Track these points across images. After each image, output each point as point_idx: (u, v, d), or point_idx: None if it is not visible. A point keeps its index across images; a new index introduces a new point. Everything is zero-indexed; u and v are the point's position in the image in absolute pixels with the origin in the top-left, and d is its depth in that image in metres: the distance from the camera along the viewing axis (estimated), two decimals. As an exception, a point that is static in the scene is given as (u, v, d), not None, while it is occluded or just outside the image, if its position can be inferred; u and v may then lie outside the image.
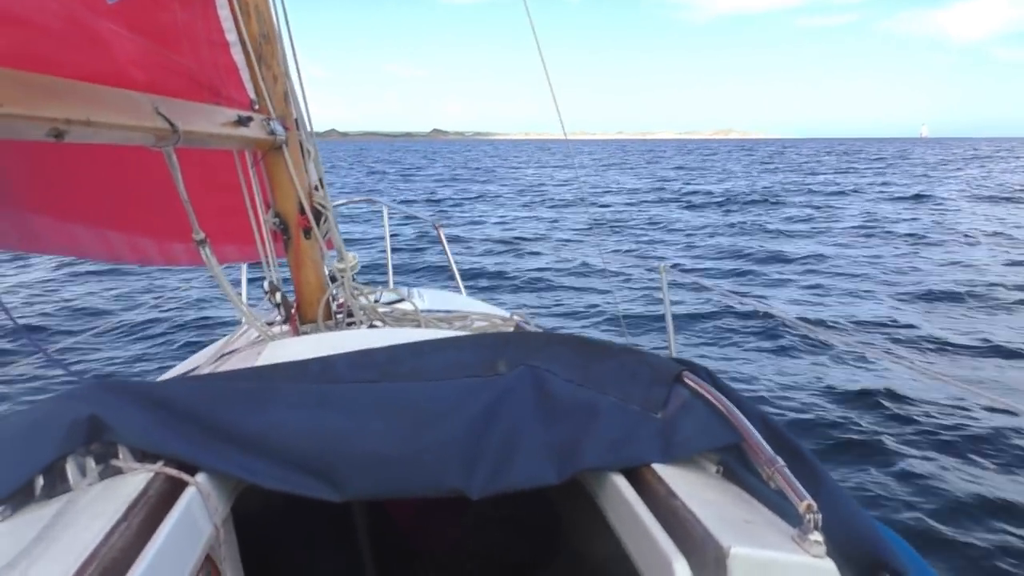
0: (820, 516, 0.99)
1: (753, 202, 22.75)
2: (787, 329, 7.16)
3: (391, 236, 4.58)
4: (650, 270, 9.89)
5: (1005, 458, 4.43)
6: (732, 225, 16.96)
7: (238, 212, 2.27)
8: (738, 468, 1.25)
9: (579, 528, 1.81)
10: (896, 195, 24.37)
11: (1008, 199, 22.51)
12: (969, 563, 3.41)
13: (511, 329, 2.33)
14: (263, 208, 2.30)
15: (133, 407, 1.20)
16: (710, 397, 1.31)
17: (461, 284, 4.28)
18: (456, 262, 4.49)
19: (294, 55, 2.23)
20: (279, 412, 1.26)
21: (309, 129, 2.32)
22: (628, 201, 24.54)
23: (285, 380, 1.37)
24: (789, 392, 5.68)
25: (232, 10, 2.04)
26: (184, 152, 1.68)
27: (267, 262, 2.34)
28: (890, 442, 4.66)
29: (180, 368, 2.41)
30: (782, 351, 6.75)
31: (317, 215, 2.25)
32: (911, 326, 7.60)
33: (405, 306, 2.47)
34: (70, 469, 1.11)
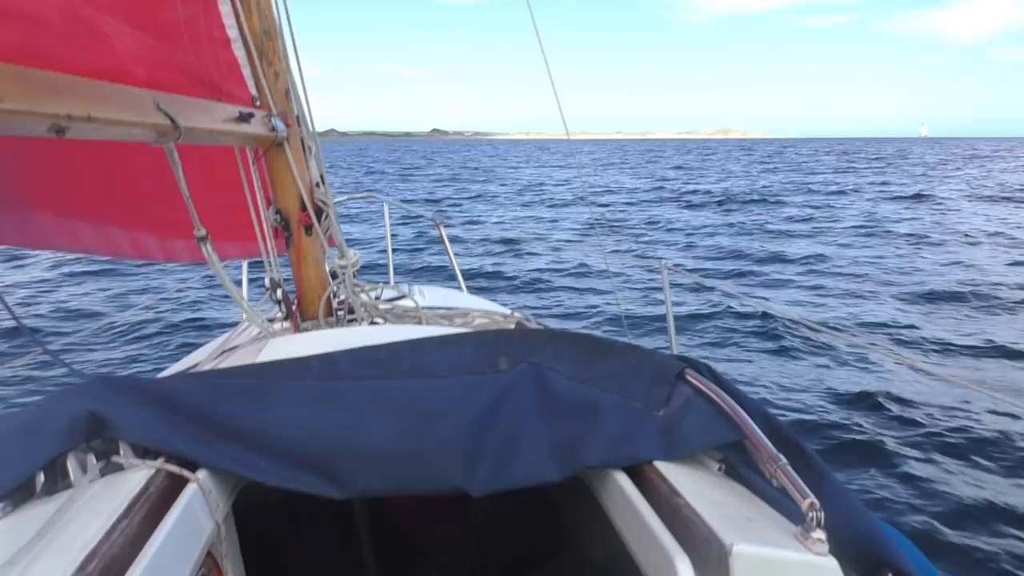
0: (823, 514, 0.98)
1: (753, 201, 22.74)
2: (788, 329, 7.15)
3: (392, 234, 4.58)
4: (651, 270, 9.88)
5: (1008, 458, 4.41)
6: (732, 225, 16.95)
7: (239, 209, 2.27)
8: (740, 466, 1.25)
9: (580, 526, 1.81)
10: (896, 195, 24.38)
11: (1008, 199, 22.50)
12: (973, 564, 3.39)
13: (512, 326, 2.33)
14: (264, 205, 2.30)
15: (134, 404, 1.20)
16: (712, 395, 1.31)
17: (462, 281, 4.28)
18: (456, 260, 4.49)
19: (295, 51, 2.23)
20: (280, 409, 1.26)
21: (310, 126, 2.32)
22: (628, 200, 24.54)
23: (286, 377, 1.37)
24: (790, 391, 5.67)
25: (233, 6, 2.04)
26: (185, 148, 1.67)
27: (268, 259, 2.34)
28: (892, 443, 4.64)
29: (181, 364, 2.41)
30: (783, 350, 6.74)
31: (318, 212, 2.25)
32: (912, 327, 7.58)
33: (406, 303, 2.47)
34: (71, 466, 1.11)
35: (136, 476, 1.10)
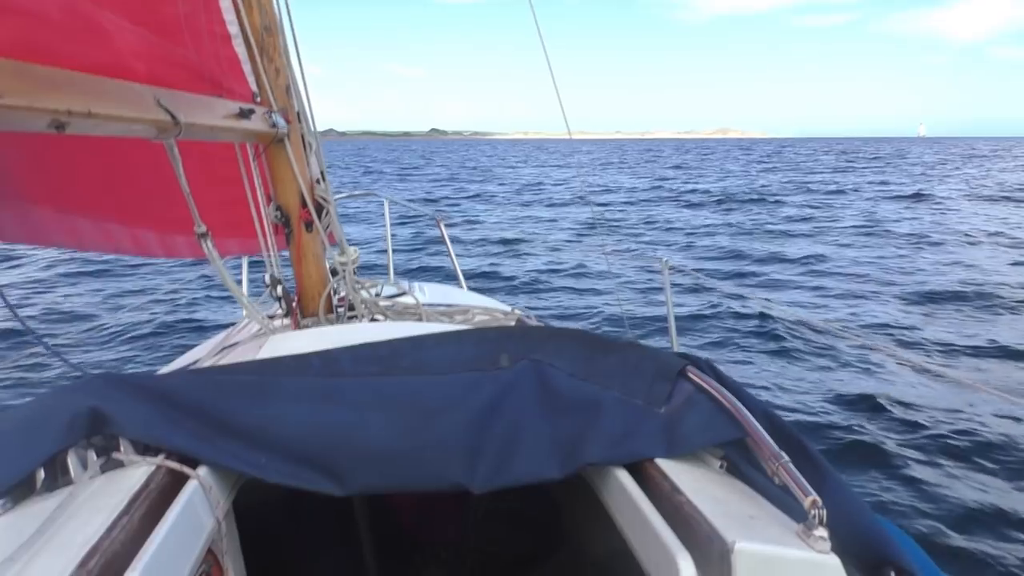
0: (825, 512, 0.98)
1: (752, 201, 22.73)
2: (790, 329, 7.13)
3: (392, 234, 4.57)
4: (652, 270, 9.87)
5: (1012, 459, 4.38)
6: (731, 224, 16.93)
7: (239, 205, 2.26)
8: (742, 463, 1.25)
9: (581, 523, 1.81)
10: (895, 194, 24.37)
11: (1008, 198, 22.50)
12: (977, 566, 3.37)
13: (513, 323, 2.33)
14: (264, 201, 2.30)
15: (134, 400, 1.20)
16: (714, 392, 1.31)
17: (462, 279, 4.28)
18: (456, 257, 4.49)
19: (296, 48, 2.23)
20: (281, 406, 1.26)
21: (311, 122, 2.32)
22: (627, 200, 24.53)
23: (287, 374, 1.37)
24: (791, 392, 5.65)
25: (234, 2, 2.03)
26: (185, 145, 1.67)
27: (268, 255, 2.34)
28: (894, 444, 4.61)
29: (181, 361, 2.40)
30: (784, 351, 6.72)
31: (319, 208, 2.24)
32: (913, 327, 7.55)
33: (406, 300, 2.47)
34: (71, 462, 1.11)
35: (137, 473, 1.09)
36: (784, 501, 1.10)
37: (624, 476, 1.21)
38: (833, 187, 28.10)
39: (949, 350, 6.73)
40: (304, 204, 2.21)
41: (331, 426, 1.23)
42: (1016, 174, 36.02)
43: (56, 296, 9.28)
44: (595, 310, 8.70)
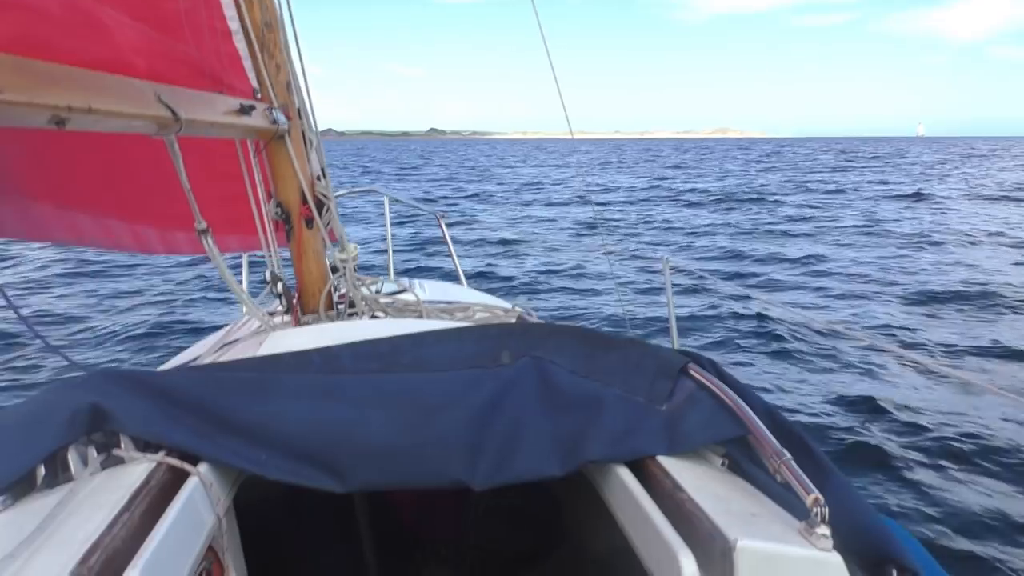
0: (827, 510, 0.98)
1: (752, 200, 22.72)
2: (791, 329, 7.11)
3: (392, 234, 4.57)
4: (652, 271, 9.85)
5: (1014, 461, 4.34)
6: (731, 224, 16.91)
7: (240, 201, 2.26)
8: (744, 461, 1.25)
9: (582, 521, 1.81)
10: (895, 193, 24.36)
11: (1008, 197, 22.50)
12: (980, 567, 3.35)
13: (513, 320, 2.32)
14: (265, 198, 2.29)
15: (135, 396, 1.20)
16: (716, 390, 1.31)
17: (462, 276, 4.28)
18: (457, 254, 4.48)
19: (296, 44, 2.22)
20: (281, 402, 1.26)
21: (311, 118, 2.31)
22: (625, 199, 24.52)
23: (287, 370, 1.36)
24: (792, 392, 5.63)
25: (234, -3, 2.03)
26: (185, 141, 1.66)
27: (269, 252, 2.34)
28: (897, 445, 4.58)
29: (181, 358, 2.40)
30: (785, 350, 6.70)
31: (319, 205, 2.24)
32: (915, 327, 7.51)
33: (407, 297, 2.47)
34: (72, 458, 1.11)
35: (137, 469, 1.09)
36: (786, 499, 1.10)
37: (625, 473, 1.21)
38: (832, 186, 28.11)
39: (952, 350, 6.69)
40: (304, 201, 2.21)
41: (332, 423, 1.23)
42: (1015, 173, 36.03)
43: (51, 296, 9.25)
44: (595, 310, 8.69)
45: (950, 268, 10.81)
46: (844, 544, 0.99)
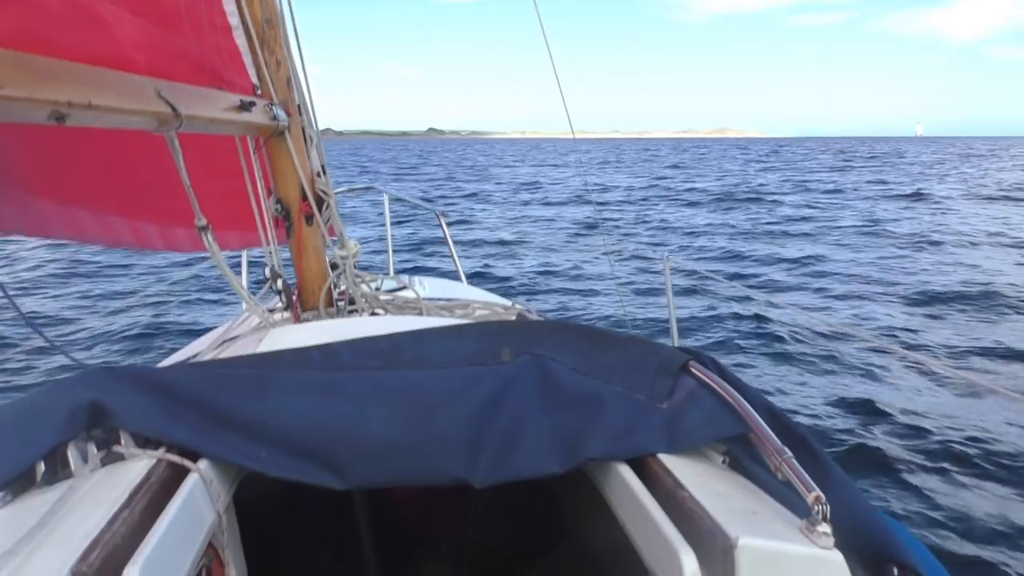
0: (828, 508, 0.98)
1: (751, 200, 22.71)
2: (792, 330, 7.09)
3: (392, 234, 4.56)
4: (652, 272, 9.84)
5: (1019, 463, 4.31)
6: (731, 224, 16.88)
7: (239, 198, 2.26)
8: (745, 459, 1.25)
9: (582, 518, 1.80)
10: (894, 193, 24.36)
11: (1007, 197, 22.50)
12: (985, 571, 3.34)
13: (513, 318, 2.32)
14: (265, 194, 2.29)
15: (135, 393, 1.19)
16: (716, 387, 1.31)
17: (462, 273, 4.27)
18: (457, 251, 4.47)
19: (297, 40, 2.22)
20: (281, 399, 1.25)
21: (312, 115, 2.31)
22: (624, 199, 24.51)
23: (287, 367, 1.36)
24: (793, 393, 5.60)
25: (235, -7, 2.02)
26: (185, 137, 1.66)
27: (269, 249, 2.33)
28: (900, 447, 4.55)
29: (181, 354, 2.40)
30: (786, 350, 6.68)
31: (319, 202, 2.24)
32: (917, 329, 7.48)
33: (407, 294, 2.46)
34: (72, 455, 1.10)
35: (137, 466, 1.09)
36: (787, 497, 1.10)
37: (626, 471, 1.20)
38: (831, 186, 28.11)
39: (954, 351, 6.64)
40: (304, 197, 2.21)
41: (332, 420, 1.22)
42: (1014, 173, 36.05)
43: (45, 297, 9.21)
44: (595, 309, 8.68)
45: (951, 268, 10.77)
46: (845, 542, 0.99)
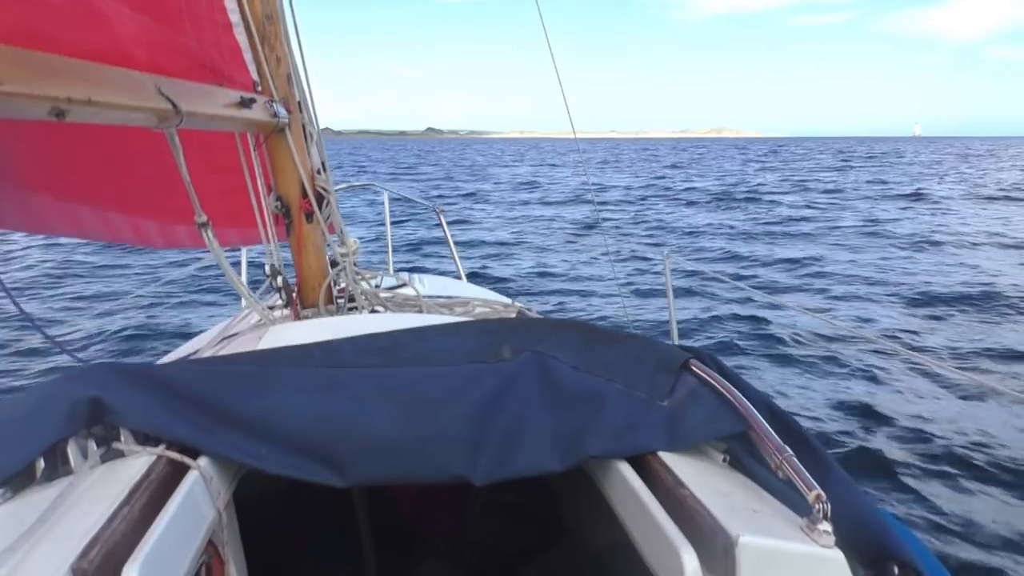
0: (829, 506, 0.98)
1: (750, 200, 22.69)
2: (791, 329, 7.08)
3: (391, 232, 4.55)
4: (652, 273, 9.82)
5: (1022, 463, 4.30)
6: (730, 224, 16.85)
7: (239, 194, 2.26)
8: (745, 457, 1.25)
9: (581, 516, 1.80)
10: (894, 193, 24.36)
11: (1008, 197, 22.51)
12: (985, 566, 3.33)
13: (514, 315, 2.32)
14: (265, 191, 2.29)
15: (135, 389, 1.19)
16: (717, 385, 1.30)
17: (462, 271, 4.27)
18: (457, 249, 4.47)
19: (297, 37, 2.22)
20: (282, 396, 1.25)
21: (312, 112, 2.30)
22: (623, 198, 24.50)
23: (288, 364, 1.36)
24: (793, 392, 5.58)
25: (235, -11, 2.02)
26: (185, 134, 1.66)
27: (269, 246, 2.33)
28: (902, 448, 4.52)
29: (180, 351, 2.40)
30: (785, 348, 6.67)
31: (319, 199, 2.23)
32: (919, 330, 7.44)
33: (407, 291, 2.46)
34: (72, 452, 1.10)
35: (137, 463, 1.09)
36: (788, 495, 1.10)
37: (626, 469, 1.20)
38: (831, 186, 28.11)
39: (956, 352, 6.60)
40: (305, 194, 2.21)
41: (332, 417, 1.22)
42: (1013, 173, 36.06)
43: (39, 297, 9.17)
44: (594, 308, 8.66)
45: (952, 269, 10.72)
46: (846, 540, 0.99)
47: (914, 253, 12.31)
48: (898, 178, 32.60)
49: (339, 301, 2.30)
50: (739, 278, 10.49)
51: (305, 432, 1.20)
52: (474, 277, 9.60)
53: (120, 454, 1.12)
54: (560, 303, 9.07)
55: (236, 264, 3.79)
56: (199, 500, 1.08)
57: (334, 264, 2.31)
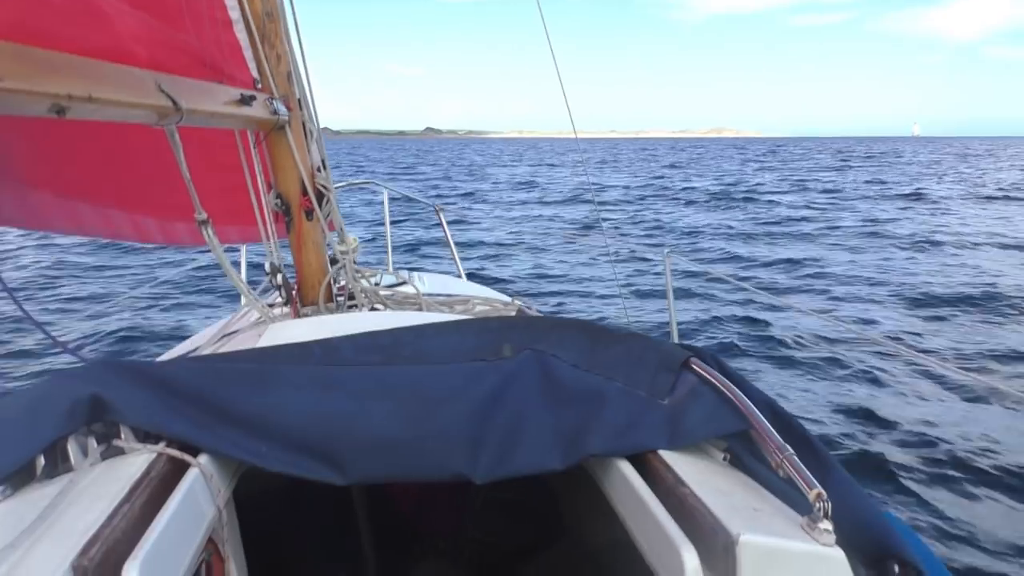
0: (829, 504, 0.98)
1: (749, 200, 22.68)
2: (792, 329, 7.06)
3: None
4: (652, 273, 9.81)
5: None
6: (729, 224, 16.84)
7: (239, 192, 2.25)
8: (746, 456, 1.25)
9: (581, 514, 1.80)
10: (894, 193, 24.36)
11: (1008, 196, 22.51)
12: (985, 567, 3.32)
13: (513, 313, 2.32)
14: (265, 189, 2.28)
15: (135, 387, 1.19)
16: (718, 384, 1.30)
17: (461, 269, 4.27)
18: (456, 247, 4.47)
19: (298, 34, 2.22)
20: (282, 394, 1.25)
21: (312, 110, 2.30)
22: (623, 198, 24.48)
23: (287, 362, 1.36)
24: (793, 394, 5.57)
25: (235, -13, 2.02)
26: (185, 131, 1.66)
27: (269, 243, 2.33)
28: (901, 447, 4.51)
29: (180, 349, 2.39)
30: (785, 348, 6.65)
31: (319, 196, 2.23)
32: (921, 331, 7.42)
33: (407, 289, 2.46)
34: (72, 449, 1.10)
35: (137, 460, 1.08)
36: (788, 494, 1.10)
37: (627, 468, 1.20)
38: (830, 186, 28.12)
39: (959, 353, 6.56)
40: (305, 192, 2.20)
41: (332, 415, 1.22)
42: (1012, 173, 36.07)
43: (35, 298, 9.16)
44: (594, 309, 8.65)
45: (952, 269, 10.70)
46: (846, 539, 0.99)
47: (915, 253, 12.28)
48: (897, 178, 32.61)
49: (339, 299, 2.29)
50: (740, 279, 10.45)
51: (305, 430, 1.19)
52: (472, 278, 9.59)
53: (120, 452, 1.12)
54: (559, 304, 9.05)
55: (236, 262, 3.79)
56: (199, 498, 1.08)
57: (334, 262, 2.31)
